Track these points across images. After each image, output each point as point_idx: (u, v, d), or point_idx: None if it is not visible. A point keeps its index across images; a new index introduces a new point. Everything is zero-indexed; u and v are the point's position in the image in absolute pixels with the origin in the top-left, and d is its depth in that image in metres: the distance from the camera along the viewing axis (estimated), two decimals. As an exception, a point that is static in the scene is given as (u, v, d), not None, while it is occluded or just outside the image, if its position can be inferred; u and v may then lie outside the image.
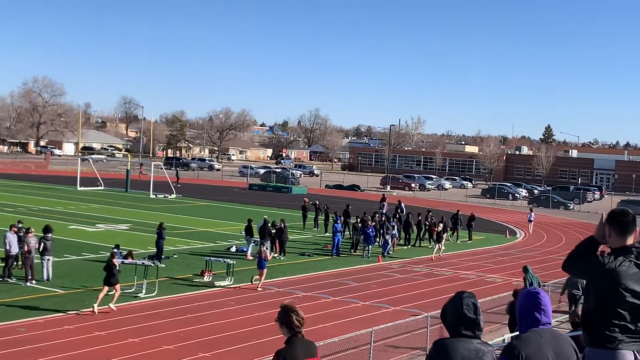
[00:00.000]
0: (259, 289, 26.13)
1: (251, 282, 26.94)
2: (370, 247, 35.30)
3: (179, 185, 72.65)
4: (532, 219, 52.83)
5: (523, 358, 4.30)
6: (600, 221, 4.83)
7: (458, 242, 42.51)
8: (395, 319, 21.02)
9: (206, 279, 26.90)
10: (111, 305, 21.54)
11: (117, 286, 21.84)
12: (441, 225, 37.30)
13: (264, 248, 27.67)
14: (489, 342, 4.60)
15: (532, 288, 4.72)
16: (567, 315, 19.34)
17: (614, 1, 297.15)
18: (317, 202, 46.59)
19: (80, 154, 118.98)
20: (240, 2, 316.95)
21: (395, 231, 37.72)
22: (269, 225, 32.70)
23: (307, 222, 44.75)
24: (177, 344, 18.69)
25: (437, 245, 36.61)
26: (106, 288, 21.55)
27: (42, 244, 25.05)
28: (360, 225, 36.16)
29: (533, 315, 4.52)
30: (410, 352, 18.92)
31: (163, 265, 27.40)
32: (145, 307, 22.52)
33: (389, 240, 36.40)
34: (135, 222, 42.90)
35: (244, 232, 34.09)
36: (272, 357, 6.54)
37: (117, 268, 21.85)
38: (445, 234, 37.69)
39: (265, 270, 26.41)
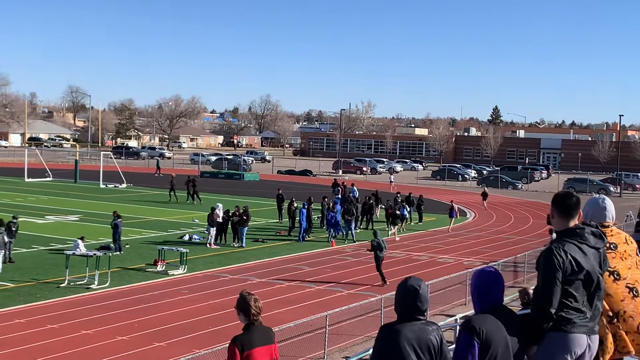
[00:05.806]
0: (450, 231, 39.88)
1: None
2: (335, 233, 35.42)
3: (159, 175, 71.78)
4: (392, 180, 68.37)
5: (483, 333, 4.39)
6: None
7: (411, 223, 42.87)
8: (350, 302, 21.24)
9: (159, 268, 26.79)
10: (396, 237, 36.02)
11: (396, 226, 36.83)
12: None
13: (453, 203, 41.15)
14: (439, 323, 4.71)
15: (489, 266, 4.81)
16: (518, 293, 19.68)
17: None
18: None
19: (27, 144, 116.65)
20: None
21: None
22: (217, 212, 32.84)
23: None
24: (131, 334, 18.61)
25: (393, 227, 37.00)
26: (396, 226, 36.80)
27: None
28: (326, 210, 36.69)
29: (489, 293, 4.63)
30: (365, 335, 19.15)
31: (118, 253, 28.85)
32: (98, 298, 22.34)
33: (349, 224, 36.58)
34: (86, 212, 42.35)
35: (197, 220, 33.69)
36: (228, 344, 6.60)
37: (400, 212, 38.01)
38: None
39: (453, 219, 40.84)
